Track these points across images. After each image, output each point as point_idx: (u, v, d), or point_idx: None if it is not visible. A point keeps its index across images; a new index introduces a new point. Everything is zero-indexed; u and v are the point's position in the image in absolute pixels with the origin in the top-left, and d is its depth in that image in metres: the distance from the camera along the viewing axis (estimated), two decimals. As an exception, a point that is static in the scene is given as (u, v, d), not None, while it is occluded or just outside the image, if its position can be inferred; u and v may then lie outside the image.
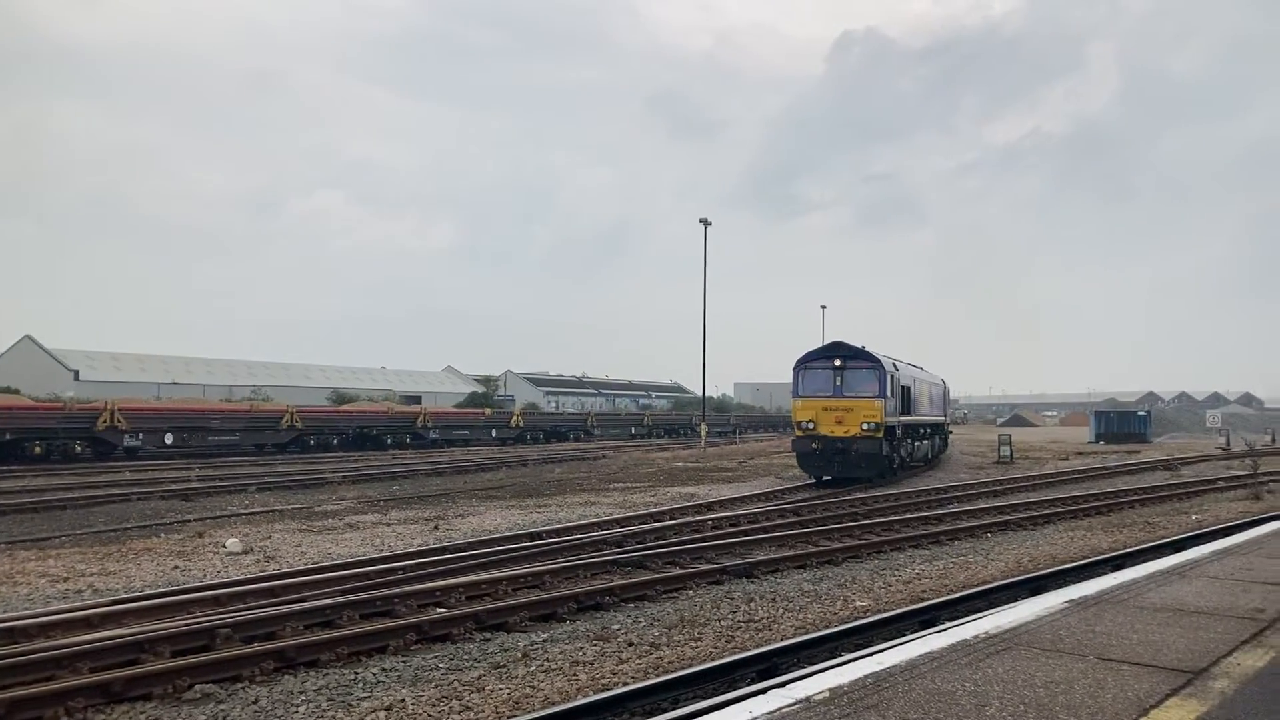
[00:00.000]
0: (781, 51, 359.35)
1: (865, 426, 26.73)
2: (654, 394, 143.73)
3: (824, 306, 79.62)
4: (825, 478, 27.50)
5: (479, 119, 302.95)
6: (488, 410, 67.61)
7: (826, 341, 29.03)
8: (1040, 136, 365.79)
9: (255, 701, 7.59)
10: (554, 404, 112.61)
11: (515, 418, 61.52)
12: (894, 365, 29.30)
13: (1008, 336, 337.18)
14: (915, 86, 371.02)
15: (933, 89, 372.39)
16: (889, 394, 27.56)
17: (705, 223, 50.21)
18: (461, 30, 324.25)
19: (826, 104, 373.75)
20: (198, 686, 7.70)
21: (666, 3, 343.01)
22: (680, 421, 78.98)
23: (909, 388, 31.31)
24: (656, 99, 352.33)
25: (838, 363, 27.61)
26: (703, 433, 51.51)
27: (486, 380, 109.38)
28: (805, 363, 28.55)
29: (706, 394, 58.68)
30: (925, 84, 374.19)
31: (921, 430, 34.49)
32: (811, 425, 27.20)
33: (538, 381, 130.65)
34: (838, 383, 27.45)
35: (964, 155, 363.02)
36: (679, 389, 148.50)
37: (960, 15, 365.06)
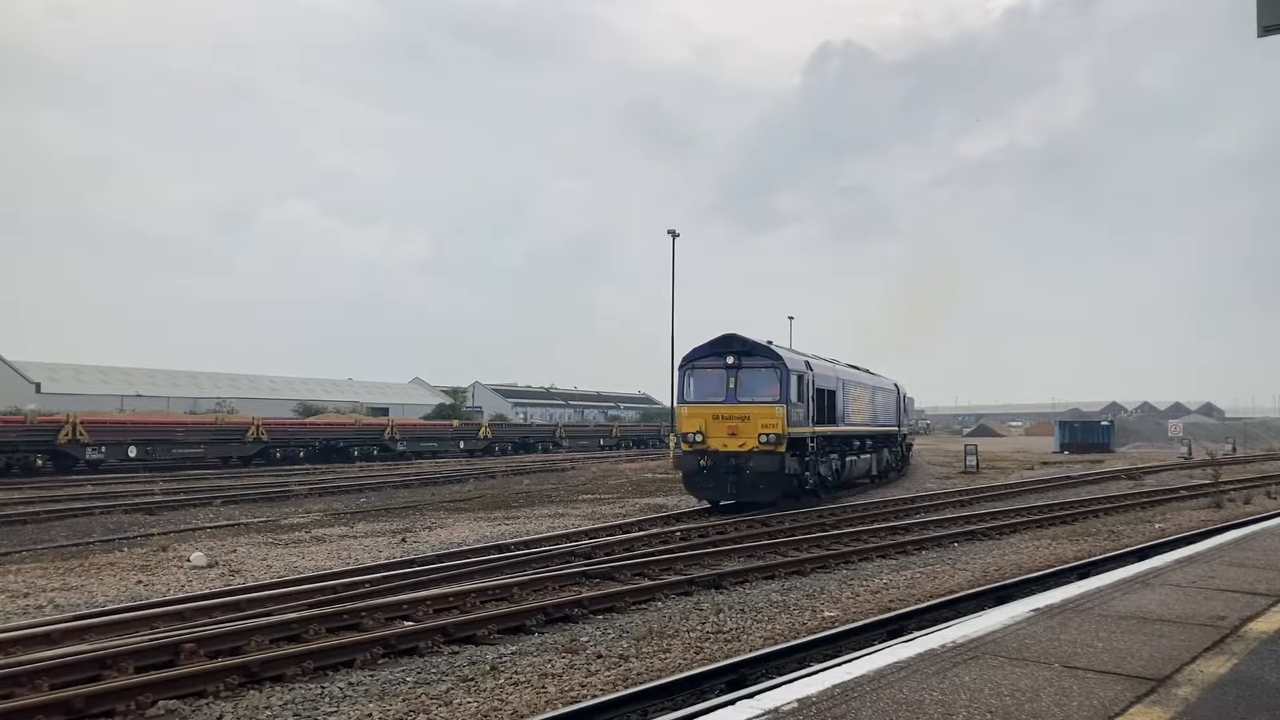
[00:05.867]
0: (757, 65, 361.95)
1: (763, 439, 21.92)
2: (622, 405, 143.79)
3: (791, 318, 80.00)
4: (722, 502, 23.04)
5: (451, 131, 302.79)
6: (455, 422, 67.31)
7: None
8: (1015, 150, 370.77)
9: (220, 718, 7.51)
10: (522, 415, 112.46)
11: (483, 429, 61.26)
12: (806, 364, 24.37)
13: (974, 347, 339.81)
14: (890, 100, 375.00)
15: (908, 102, 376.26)
16: (796, 398, 22.86)
17: (673, 234, 50.38)
18: (433, 42, 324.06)
19: (802, 117, 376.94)
20: (161, 703, 7.61)
21: (642, 17, 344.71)
22: (649, 432, 78.90)
23: (833, 392, 26.44)
24: (632, 112, 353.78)
25: (730, 360, 22.67)
26: (671, 444, 51.47)
27: (454, 392, 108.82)
28: (693, 361, 23.42)
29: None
30: (901, 97, 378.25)
31: (857, 443, 29.22)
32: (700, 438, 22.42)
33: (506, 393, 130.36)
34: (731, 385, 22.56)
35: (937, 168, 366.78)
36: (647, 400, 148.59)
37: (934, 29, 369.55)
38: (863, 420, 30.27)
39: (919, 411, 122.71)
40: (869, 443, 30.97)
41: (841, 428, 27.27)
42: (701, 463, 22.34)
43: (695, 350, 23.62)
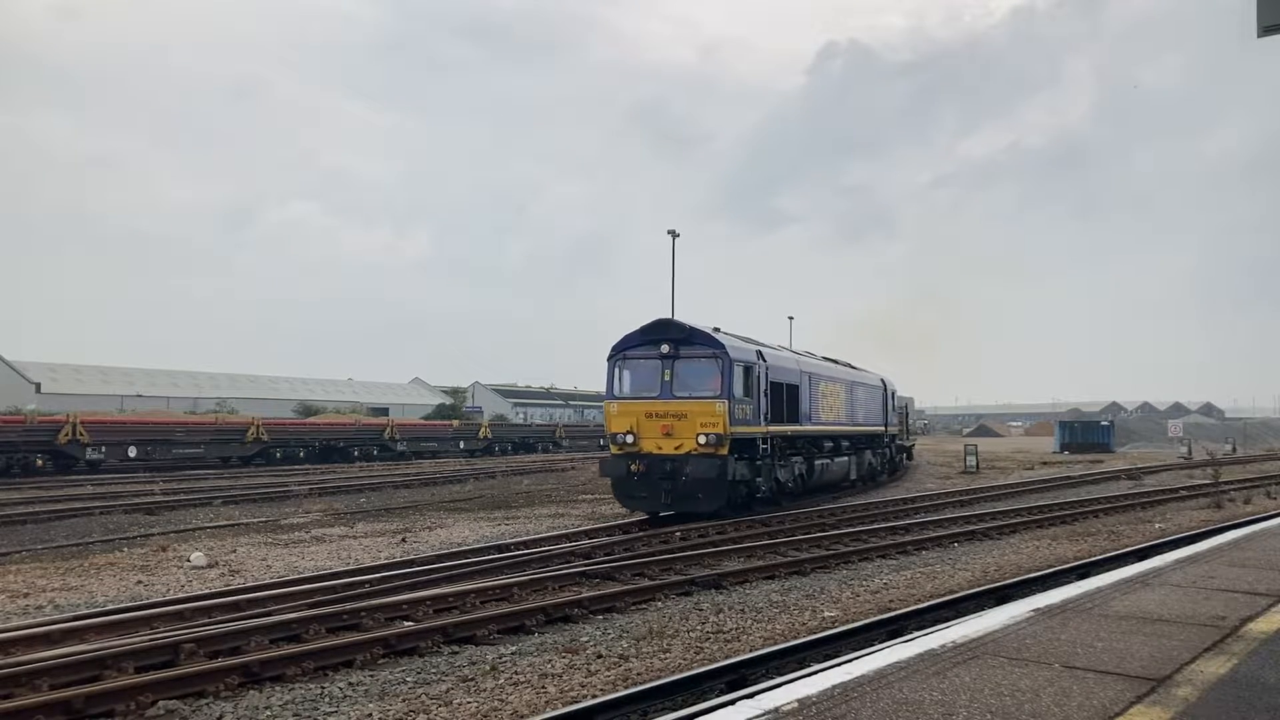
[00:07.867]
0: (761, 66, 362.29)
1: (702, 440, 19.26)
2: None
3: (791, 317, 79.74)
4: (661, 513, 20.38)
5: (454, 131, 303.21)
6: (455, 422, 67.32)
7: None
8: (1017, 151, 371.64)
9: (220, 718, 7.50)
10: (522, 416, 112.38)
11: (483, 429, 61.27)
12: (758, 354, 21.44)
13: (974, 347, 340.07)
14: (893, 100, 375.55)
15: (910, 102, 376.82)
16: (743, 393, 20.12)
17: (674, 234, 50.33)
18: (436, 42, 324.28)
19: (804, 117, 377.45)
20: (161, 703, 7.61)
21: (645, 17, 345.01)
22: (649, 433, 78.75)
23: (795, 386, 23.46)
24: (635, 113, 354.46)
25: (665, 349, 19.93)
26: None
27: (454, 392, 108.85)
28: (623, 350, 20.62)
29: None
30: (903, 97, 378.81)
31: (828, 444, 26.26)
32: (631, 439, 19.88)
33: (505, 393, 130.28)
34: (666, 378, 19.83)
35: (940, 168, 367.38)
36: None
37: (937, 30, 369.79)
38: (836, 419, 27.26)
39: (919, 411, 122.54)
40: (845, 444, 28.00)
41: (807, 427, 24.43)
42: (632, 468, 19.73)
43: (626, 338, 20.82)
